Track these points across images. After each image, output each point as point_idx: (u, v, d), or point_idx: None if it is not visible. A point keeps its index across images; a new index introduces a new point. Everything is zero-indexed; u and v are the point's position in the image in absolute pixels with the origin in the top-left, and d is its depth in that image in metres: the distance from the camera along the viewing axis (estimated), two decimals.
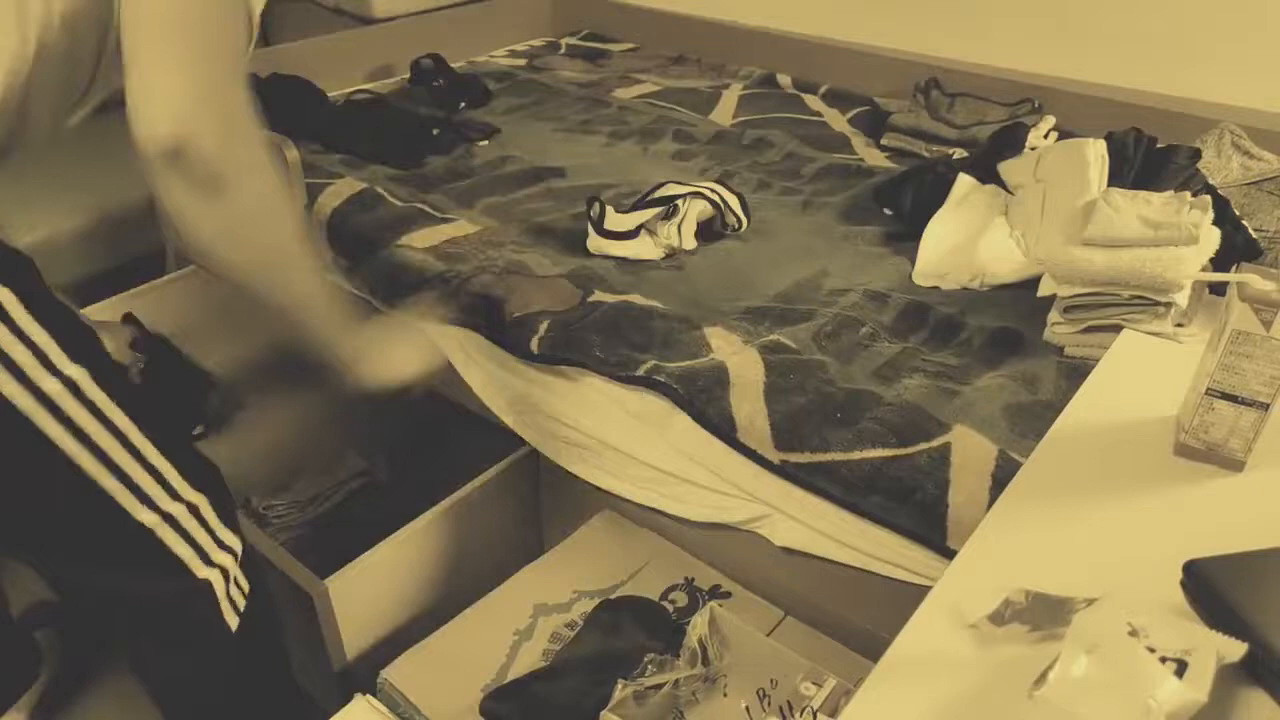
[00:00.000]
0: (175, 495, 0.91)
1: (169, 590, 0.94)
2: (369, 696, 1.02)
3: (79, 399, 0.82)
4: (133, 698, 1.39)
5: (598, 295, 1.30)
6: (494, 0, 2.47)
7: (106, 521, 0.88)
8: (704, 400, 1.12)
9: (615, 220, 1.43)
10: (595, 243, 1.44)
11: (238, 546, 0.98)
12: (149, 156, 0.75)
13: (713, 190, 1.49)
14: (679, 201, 1.45)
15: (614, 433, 1.23)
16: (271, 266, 0.87)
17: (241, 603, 1.00)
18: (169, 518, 0.90)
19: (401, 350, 1.03)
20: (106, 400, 0.84)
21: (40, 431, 0.80)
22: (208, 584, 0.95)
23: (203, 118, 0.75)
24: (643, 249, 1.42)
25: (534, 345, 1.24)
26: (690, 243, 1.46)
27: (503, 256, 1.40)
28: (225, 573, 0.97)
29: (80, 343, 0.83)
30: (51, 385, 0.80)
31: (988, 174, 1.52)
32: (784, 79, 2.21)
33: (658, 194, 1.48)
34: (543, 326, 1.24)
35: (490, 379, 1.34)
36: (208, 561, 0.95)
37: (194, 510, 0.92)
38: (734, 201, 1.50)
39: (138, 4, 0.74)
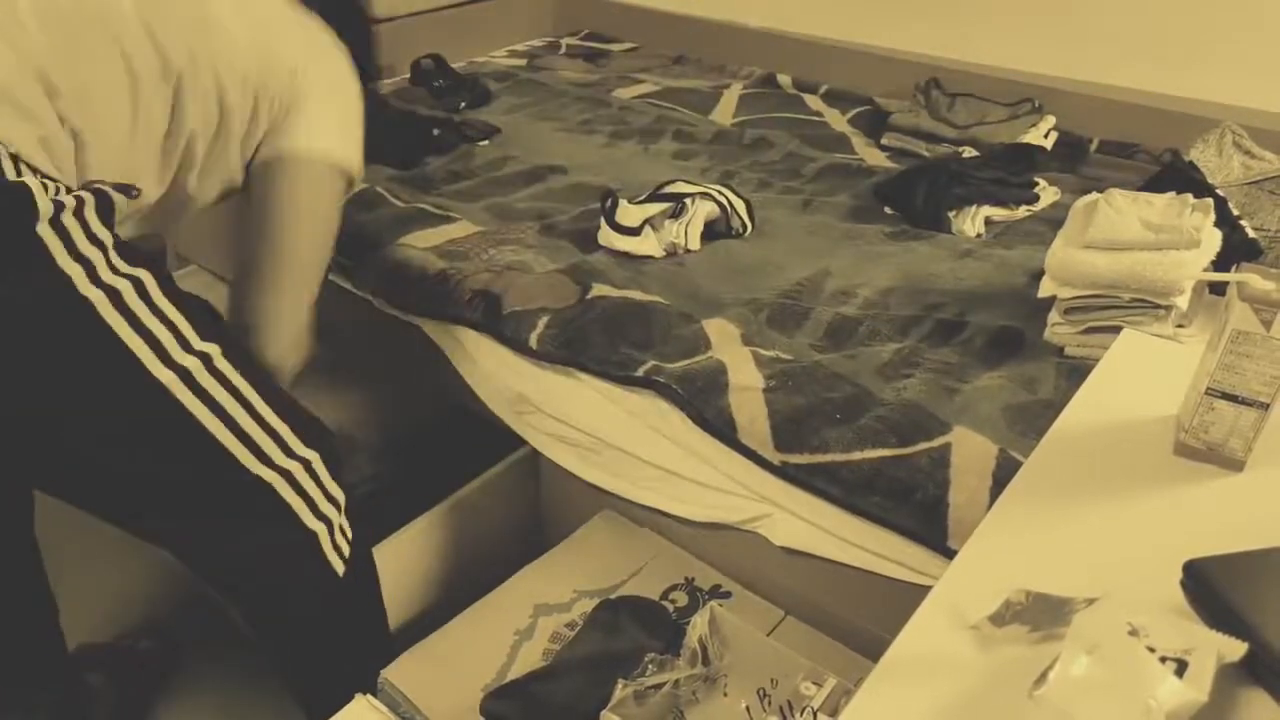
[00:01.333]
0: (290, 453, 0.98)
1: (280, 540, 1.01)
2: (369, 696, 1.02)
3: (210, 372, 0.90)
4: None
5: (597, 290, 1.30)
6: (494, 0, 2.47)
7: (229, 478, 0.94)
8: (703, 401, 1.12)
9: (625, 213, 1.44)
10: (605, 235, 1.44)
11: (341, 498, 1.05)
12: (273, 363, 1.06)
13: (720, 193, 1.49)
14: (688, 201, 1.46)
15: (614, 430, 1.23)
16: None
17: (347, 550, 1.06)
18: (284, 473, 0.98)
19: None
20: (233, 371, 0.92)
21: (178, 402, 0.88)
22: (314, 535, 1.02)
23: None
24: (645, 245, 1.43)
25: (533, 341, 1.24)
26: (696, 243, 1.46)
27: (503, 256, 1.40)
28: (330, 524, 1.04)
29: (208, 322, 0.92)
30: (189, 360, 0.88)
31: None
32: (784, 79, 2.22)
33: (668, 190, 1.49)
34: (542, 322, 1.24)
35: (490, 378, 1.34)
36: (316, 513, 1.02)
37: (308, 466, 1.00)
38: (740, 206, 1.51)
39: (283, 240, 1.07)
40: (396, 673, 1.13)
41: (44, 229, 0.78)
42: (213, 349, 0.90)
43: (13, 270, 0.79)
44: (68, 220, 0.80)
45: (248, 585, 1.08)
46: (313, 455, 1.00)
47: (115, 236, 0.85)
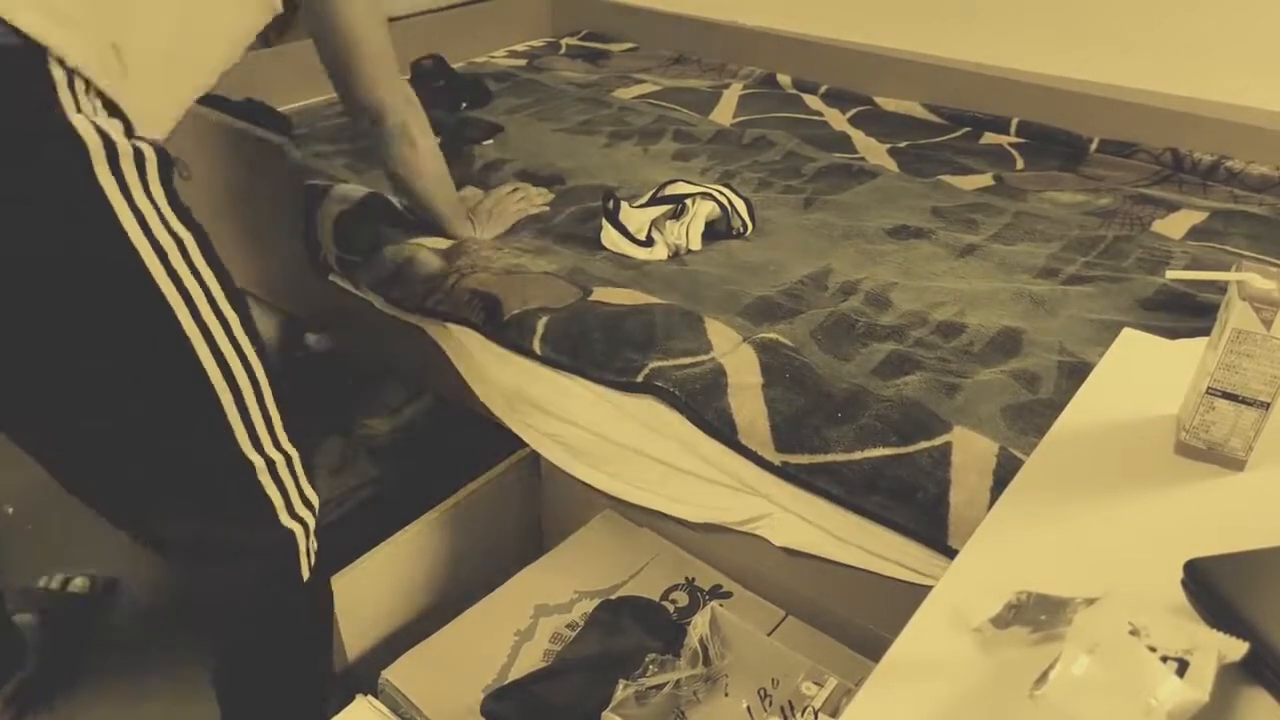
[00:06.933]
0: (277, 443, 0.97)
1: (255, 537, 0.99)
2: (370, 697, 1.02)
3: (229, 337, 0.90)
4: (119, 695, 1.41)
5: (598, 294, 1.30)
6: (494, 0, 2.47)
7: (220, 450, 0.93)
8: (702, 404, 1.12)
9: (629, 214, 1.44)
10: (609, 236, 1.44)
11: (316, 503, 1.04)
12: (389, 130, 1.29)
13: (720, 193, 1.49)
14: (688, 201, 1.46)
15: (614, 428, 1.23)
16: (441, 181, 1.39)
17: (313, 559, 1.05)
18: (269, 462, 0.96)
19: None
20: (249, 342, 0.92)
21: (195, 357, 0.88)
22: (291, 534, 1.01)
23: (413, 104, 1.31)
24: (656, 254, 1.43)
25: (535, 345, 1.24)
26: (697, 244, 1.46)
27: (501, 258, 1.40)
28: (306, 527, 1.02)
29: (234, 288, 0.92)
30: (213, 321, 0.88)
31: None
32: (784, 79, 2.22)
33: (668, 191, 1.49)
34: (541, 324, 1.24)
35: (489, 377, 1.34)
36: (292, 512, 1.00)
37: (289, 461, 0.99)
38: (741, 206, 1.51)
39: (364, 40, 1.20)
40: (397, 673, 1.13)
41: (104, 175, 0.79)
42: (234, 316, 0.91)
43: (70, 212, 0.79)
44: (126, 169, 0.80)
45: (210, 575, 1.04)
46: (294, 452, 0.99)
47: (171, 194, 0.86)
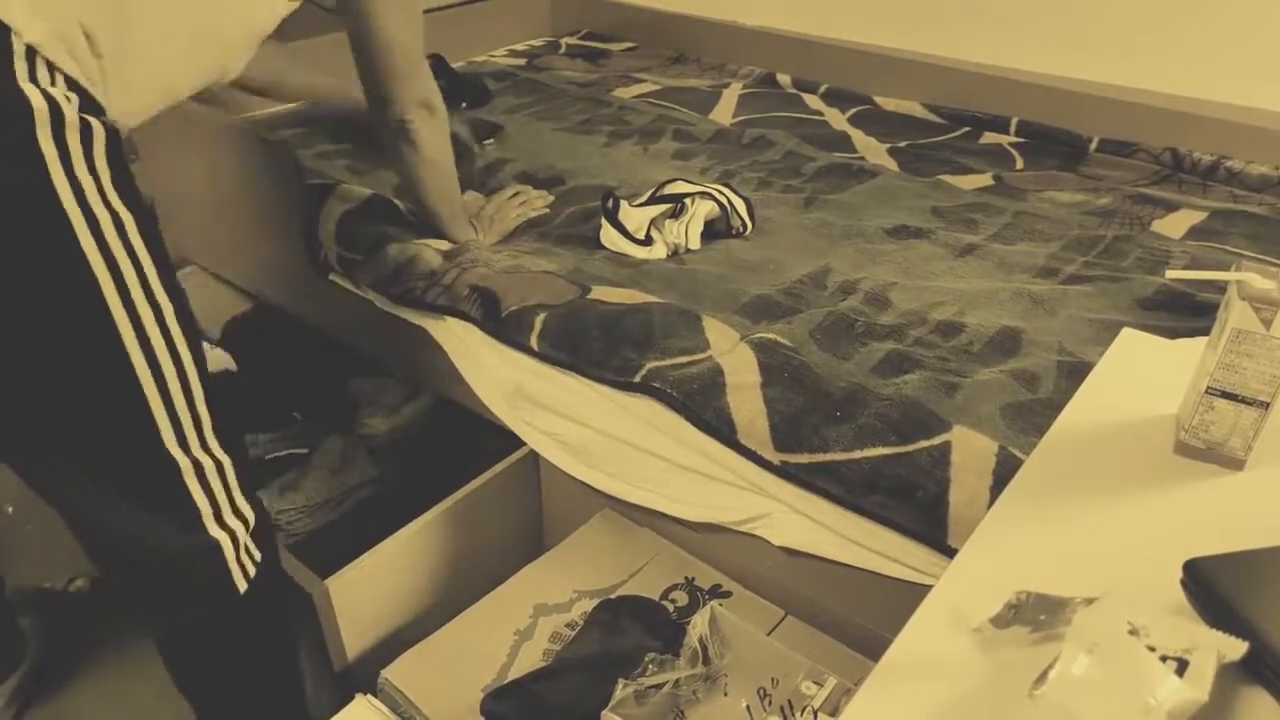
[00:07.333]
0: (205, 446, 0.94)
1: (179, 542, 0.96)
2: (369, 696, 1.02)
3: (160, 324, 0.88)
4: (117, 693, 1.41)
5: (597, 293, 1.30)
6: (494, 0, 2.47)
7: (141, 446, 0.91)
8: (701, 404, 1.12)
9: (628, 214, 1.44)
10: (608, 235, 1.44)
11: (250, 516, 1.01)
12: (389, 124, 1.28)
13: (720, 192, 1.49)
14: (687, 200, 1.46)
15: (614, 424, 1.23)
16: (442, 190, 1.39)
17: (252, 570, 1.02)
18: (196, 464, 0.94)
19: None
20: (182, 336, 0.90)
21: (120, 341, 0.85)
22: (217, 544, 0.97)
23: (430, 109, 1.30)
24: (656, 253, 1.43)
25: (533, 342, 1.24)
26: (696, 243, 1.46)
27: (501, 259, 1.40)
28: (235, 538, 0.99)
29: (173, 280, 0.90)
30: (142, 303, 0.86)
31: None
32: (784, 78, 2.22)
33: (667, 190, 1.49)
34: (539, 321, 1.24)
35: (488, 373, 1.34)
36: (220, 522, 0.97)
37: (219, 468, 0.96)
38: (740, 205, 1.50)
39: (395, 44, 1.22)
40: (396, 672, 1.13)
41: (45, 141, 0.77)
42: (168, 305, 0.88)
43: (4, 174, 0.78)
44: (70, 139, 0.79)
45: (138, 578, 1.02)
46: (226, 460, 0.96)
47: (117, 172, 0.84)
